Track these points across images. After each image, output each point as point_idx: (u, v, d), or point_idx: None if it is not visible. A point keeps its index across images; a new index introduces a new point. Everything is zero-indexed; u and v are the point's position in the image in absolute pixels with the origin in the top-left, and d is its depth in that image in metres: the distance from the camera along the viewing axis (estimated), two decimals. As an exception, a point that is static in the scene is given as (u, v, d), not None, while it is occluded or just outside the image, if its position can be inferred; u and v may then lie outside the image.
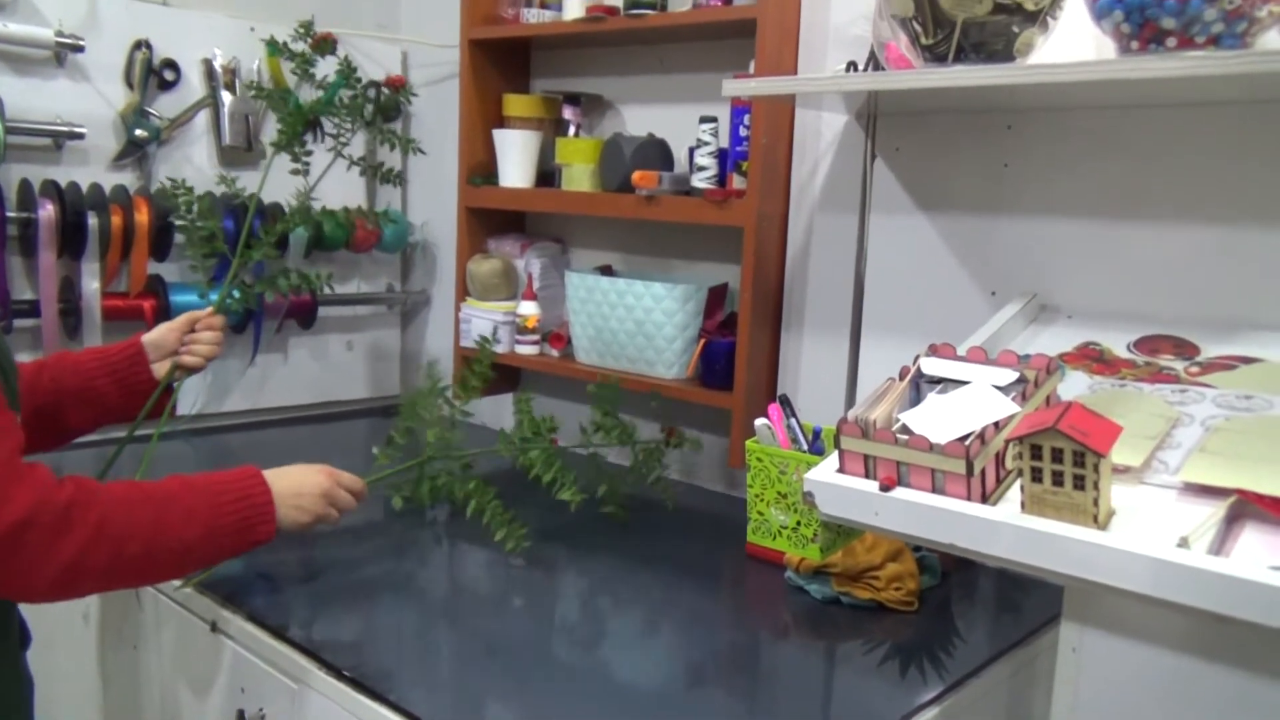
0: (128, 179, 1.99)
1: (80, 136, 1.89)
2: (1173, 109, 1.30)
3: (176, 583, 1.38)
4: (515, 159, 1.98)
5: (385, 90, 2.00)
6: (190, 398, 2.14)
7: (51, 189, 1.84)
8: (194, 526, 1.09)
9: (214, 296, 1.52)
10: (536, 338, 1.99)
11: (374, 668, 1.15)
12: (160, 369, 1.39)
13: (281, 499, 1.19)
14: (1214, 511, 0.89)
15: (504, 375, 2.19)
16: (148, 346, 1.38)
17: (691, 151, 1.73)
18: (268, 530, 1.18)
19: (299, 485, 1.23)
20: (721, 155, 1.69)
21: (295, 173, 1.55)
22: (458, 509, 1.66)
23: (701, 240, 1.90)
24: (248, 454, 1.94)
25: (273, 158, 1.57)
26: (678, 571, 1.47)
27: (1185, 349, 1.20)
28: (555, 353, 1.98)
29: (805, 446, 1.46)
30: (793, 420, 1.48)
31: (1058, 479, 0.91)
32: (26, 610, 1.18)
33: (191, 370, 1.42)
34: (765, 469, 1.45)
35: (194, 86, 2.06)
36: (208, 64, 2.06)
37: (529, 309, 1.98)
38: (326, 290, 1.71)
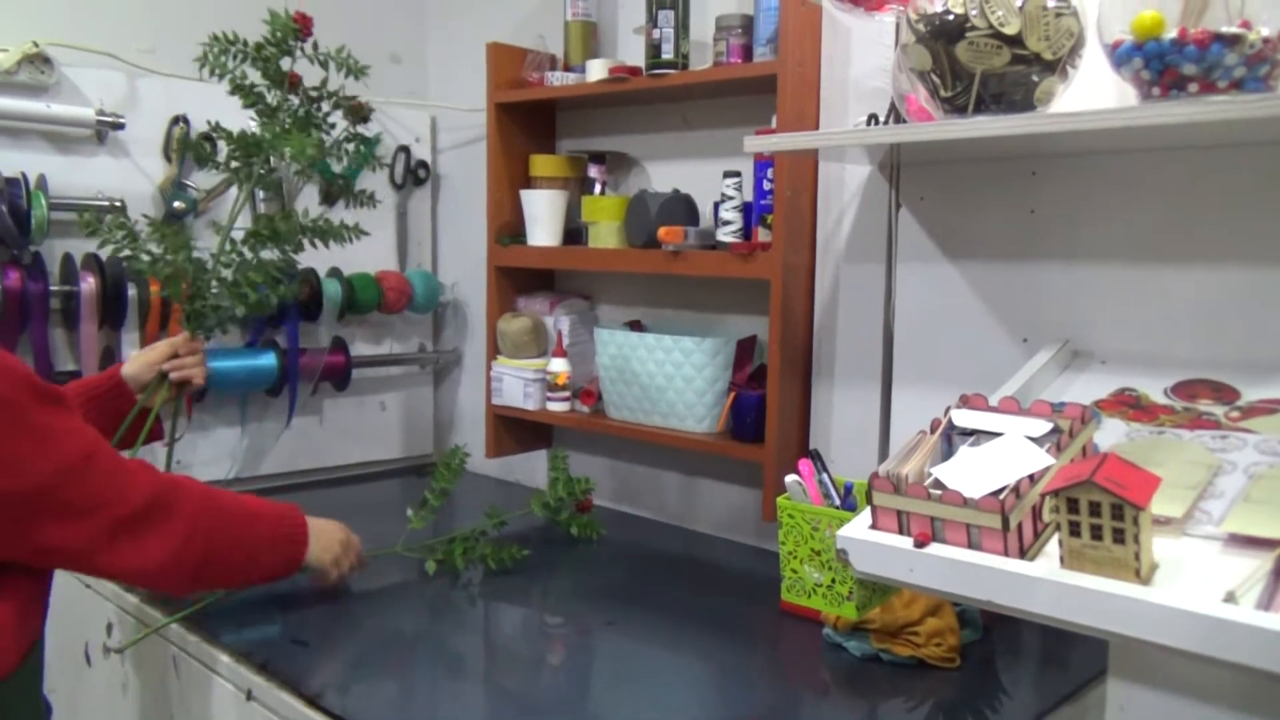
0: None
1: (121, 210, 1.94)
2: (1200, 150, 1.29)
3: (214, 650, 1.38)
4: (542, 218, 2.00)
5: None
6: (226, 463, 2.17)
7: (93, 262, 1.89)
8: (260, 528, 1.33)
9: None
10: (567, 394, 2.00)
11: (408, 736, 1.14)
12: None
13: (313, 536, 1.43)
14: (1261, 564, 0.87)
15: (536, 432, 2.19)
16: (127, 379, 1.48)
17: (716, 206, 1.74)
18: (300, 554, 1.40)
19: (326, 531, 1.47)
20: (746, 209, 1.70)
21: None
22: (490, 571, 1.66)
23: (729, 293, 1.90)
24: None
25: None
26: (714, 628, 1.45)
27: (1224, 393, 1.18)
28: (586, 409, 1.98)
29: (837, 502, 1.44)
30: (824, 475, 1.46)
31: (1096, 533, 0.89)
32: (62, 676, 1.19)
33: (195, 386, 1.55)
34: (797, 525, 1.43)
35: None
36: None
37: (559, 366, 1.99)
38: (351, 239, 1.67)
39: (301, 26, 1.51)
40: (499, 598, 1.66)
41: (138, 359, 1.51)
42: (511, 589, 1.66)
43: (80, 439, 1.10)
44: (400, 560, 1.81)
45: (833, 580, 1.40)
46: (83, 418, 1.33)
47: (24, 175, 1.81)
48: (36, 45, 1.84)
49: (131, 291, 1.91)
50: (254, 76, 1.57)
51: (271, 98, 1.57)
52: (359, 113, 1.64)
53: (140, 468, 1.18)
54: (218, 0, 2.14)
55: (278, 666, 1.31)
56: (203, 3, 2.13)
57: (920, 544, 0.99)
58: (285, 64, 1.54)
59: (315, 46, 1.56)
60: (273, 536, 1.36)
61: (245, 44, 1.53)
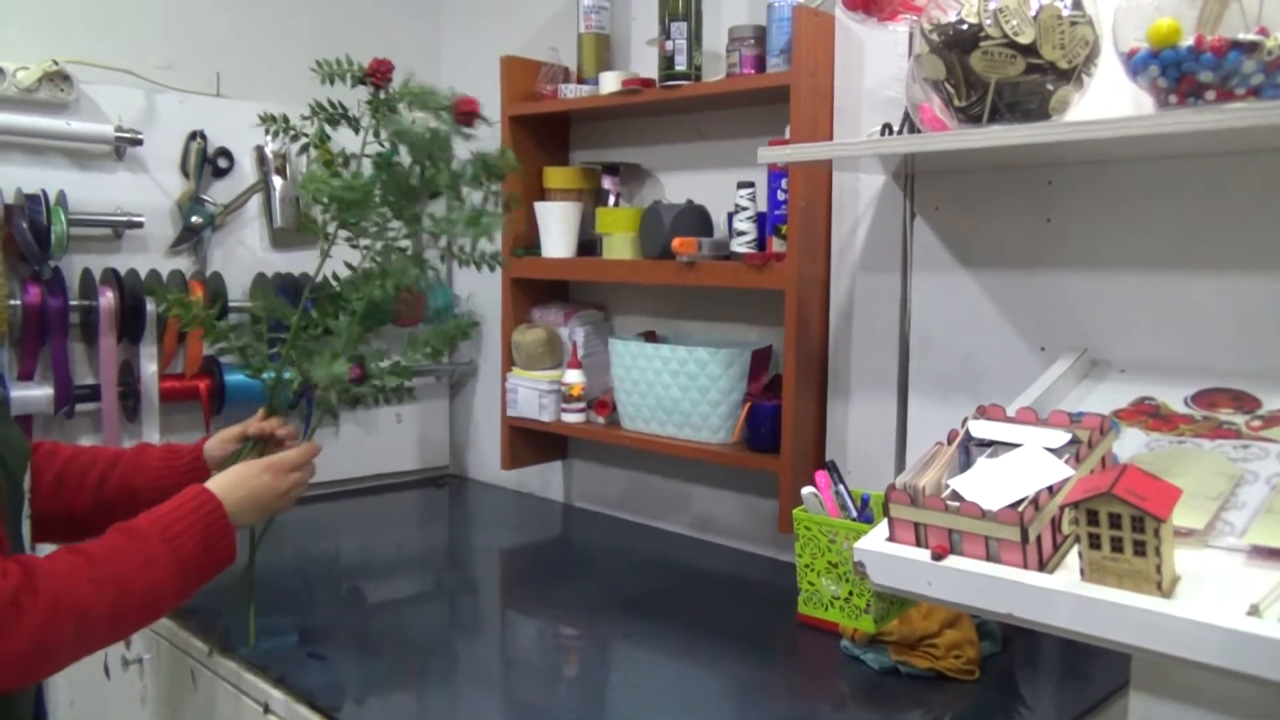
0: (184, 264, 2.05)
1: (139, 225, 1.96)
2: (1216, 158, 1.28)
3: (232, 664, 1.39)
4: (556, 230, 2.00)
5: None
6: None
7: (111, 277, 1.91)
8: (158, 570, 1.09)
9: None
10: (582, 405, 2.00)
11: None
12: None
13: (235, 509, 1.19)
14: (1285, 576, 0.86)
15: (551, 444, 2.19)
16: (207, 459, 1.37)
17: (730, 216, 1.74)
18: (230, 545, 1.18)
19: (249, 492, 1.23)
20: (760, 219, 1.70)
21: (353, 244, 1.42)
22: (506, 580, 1.65)
23: (743, 304, 1.90)
24: (302, 529, 1.96)
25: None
26: (731, 641, 1.44)
27: (1245, 402, 1.17)
28: (601, 420, 1.98)
29: (854, 514, 1.44)
30: (840, 487, 1.45)
31: (1117, 545, 0.88)
32: (81, 688, 1.19)
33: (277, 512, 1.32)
34: (814, 538, 1.42)
35: (246, 173, 2.13)
36: (259, 151, 2.13)
37: (574, 377, 1.99)
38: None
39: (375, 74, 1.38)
40: (515, 607, 1.66)
41: (215, 438, 1.39)
42: (527, 599, 1.66)
43: None
44: (418, 571, 1.81)
45: (850, 592, 1.39)
46: (161, 487, 1.29)
47: (44, 192, 1.83)
48: (56, 63, 1.86)
49: (150, 306, 1.92)
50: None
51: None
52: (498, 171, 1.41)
53: None
54: (234, 17, 2.17)
55: (295, 679, 1.31)
56: (219, 20, 2.15)
57: (938, 556, 0.98)
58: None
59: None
60: (179, 560, 1.12)
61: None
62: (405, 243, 1.39)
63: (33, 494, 1.19)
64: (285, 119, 1.40)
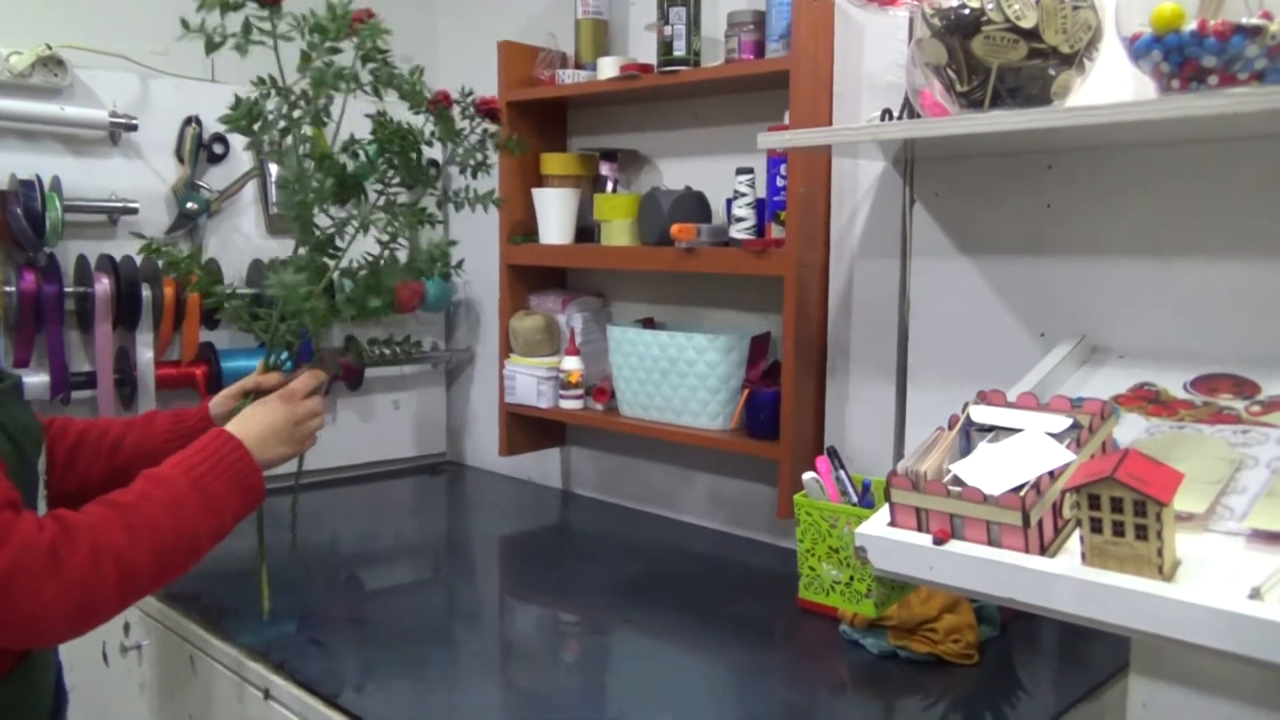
0: (182, 250, 2.03)
1: (134, 211, 1.95)
2: (1219, 144, 1.28)
3: (231, 650, 1.39)
4: (554, 216, 2.00)
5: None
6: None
7: (107, 263, 1.90)
8: (187, 510, 1.10)
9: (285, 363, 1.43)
10: (580, 392, 2.00)
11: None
12: None
13: (256, 444, 1.20)
14: (1286, 560, 0.86)
15: (549, 431, 2.19)
16: (213, 417, 1.37)
17: (729, 203, 1.74)
18: (257, 480, 1.19)
19: (266, 425, 1.23)
20: (759, 205, 1.69)
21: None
22: (505, 567, 1.65)
23: (742, 290, 1.90)
24: (300, 516, 1.95)
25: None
26: (731, 626, 1.45)
27: (1245, 387, 1.17)
28: (599, 407, 1.98)
29: (855, 499, 1.44)
30: (841, 472, 1.45)
31: (1118, 529, 0.88)
32: (79, 675, 1.19)
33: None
34: (815, 523, 1.42)
35: (241, 158, 2.11)
36: (255, 136, 2.11)
37: (572, 364, 1.99)
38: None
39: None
40: (514, 594, 1.66)
41: (220, 394, 1.38)
42: (526, 586, 1.67)
43: None
44: (417, 558, 1.81)
45: (851, 578, 1.40)
46: (167, 443, 1.30)
47: (38, 177, 1.82)
48: (50, 48, 1.84)
49: (146, 292, 1.91)
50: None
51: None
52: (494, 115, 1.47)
53: (11, 524, 0.97)
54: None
55: (295, 666, 1.31)
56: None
57: (939, 541, 0.98)
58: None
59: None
60: (209, 499, 1.12)
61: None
62: (404, 197, 1.39)
63: (48, 473, 1.19)
64: (254, 104, 1.35)
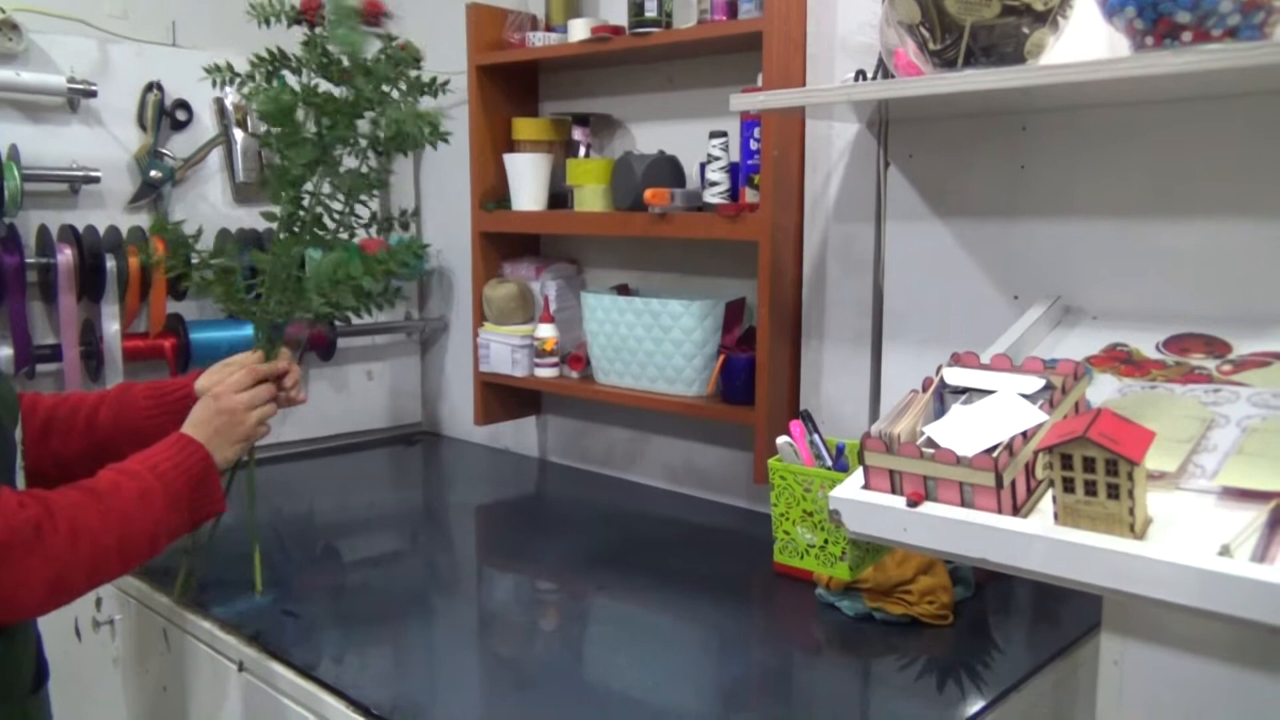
0: (144, 220, 2.00)
1: (96, 180, 1.91)
2: (1193, 102, 1.27)
3: (204, 623, 1.38)
4: (526, 182, 1.97)
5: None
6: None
7: (69, 233, 1.86)
8: (153, 502, 1.13)
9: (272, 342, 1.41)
10: (555, 360, 1.98)
11: (403, 703, 1.13)
12: None
13: (215, 446, 1.23)
14: (1255, 516, 0.87)
15: (525, 399, 2.18)
16: (199, 392, 1.33)
17: (703, 167, 1.72)
18: (215, 486, 1.22)
19: (210, 430, 1.25)
20: (733, 169, 1.68)
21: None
22: (481, 536, 1.65)
23: (717, 255, 1.88)
24: (273, 489, 1.94)
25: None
26: (706, 591, 1.45)
27: (1216, 347, 1.17)
28: (575, 374, 1.97)
29: (829, 463, 1.44)
30: (815, 436, 1.45)
31: (1091, 488, 0.88)
32: (53, 650, 1.18)
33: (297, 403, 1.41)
34: (789, 487, 1.43)
35: (206, 126, 2.07)
36: (219, 103, 2.07)
37: (547, 331, 1.98)
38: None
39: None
40: (491, 563, 1.65)
41: (215, 373, 1.35)
42: (503, 555, 1.66)
43: None
44: (392, 528, 1.80)
45: (825, 541, 1.40)
46: (155, 426, 1.29)
47: (-5, 145, 1.77)
48: (3, 11, 1.79)
49: (110, 263, 1.88)
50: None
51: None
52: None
53: None
54: (189, -37, 2.10)
55: (269, 638, 1.30)
56: (174, -35, 2.08)
57: (913, 503, 0.98)
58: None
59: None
60: (170, 496, 1.15)
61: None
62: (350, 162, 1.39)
63: (24, 446, 1.17)
64: (230, 67, 1.38)
